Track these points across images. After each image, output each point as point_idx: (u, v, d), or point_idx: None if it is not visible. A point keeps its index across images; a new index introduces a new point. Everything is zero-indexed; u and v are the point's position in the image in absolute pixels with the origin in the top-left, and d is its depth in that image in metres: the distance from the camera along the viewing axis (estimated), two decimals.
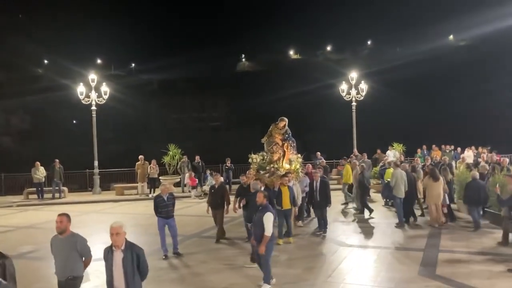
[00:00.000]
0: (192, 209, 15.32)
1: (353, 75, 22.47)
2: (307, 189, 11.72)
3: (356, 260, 8.69)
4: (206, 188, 17.04)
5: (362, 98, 22.43)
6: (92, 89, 19.93)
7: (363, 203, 13.24)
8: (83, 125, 28.66)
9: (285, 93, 51.25)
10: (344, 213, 13.79)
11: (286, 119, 12.19)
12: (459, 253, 8.82)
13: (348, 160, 16.72)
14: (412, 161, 16.18)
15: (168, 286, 7.56)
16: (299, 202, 10.89)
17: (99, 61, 71.47)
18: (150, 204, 10.44)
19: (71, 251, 5.39)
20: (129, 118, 52.44)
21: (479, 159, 16.72)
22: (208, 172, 18.72)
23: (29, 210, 17.03)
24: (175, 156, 19.46)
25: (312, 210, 12.45)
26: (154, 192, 17.91)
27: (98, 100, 20.10)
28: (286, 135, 12.22)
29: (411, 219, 11.87)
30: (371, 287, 7.20)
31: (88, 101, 19.97)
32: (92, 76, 19.96)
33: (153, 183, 18.65)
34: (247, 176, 10.77)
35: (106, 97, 20.24)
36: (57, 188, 18.92)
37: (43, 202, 18.18)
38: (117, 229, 4.85)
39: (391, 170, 13.41)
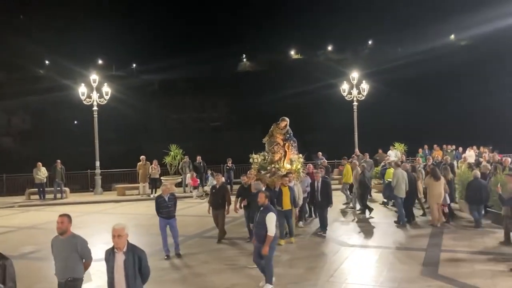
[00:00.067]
0: (193, 209, 15.33)
1: (354, 75, 22.47)
2: (308, 189, 11.72)
3: (358, 260, 8.69)
4: (207, 188, 17.05)
5: (363, 98, 22.43)
6: (94, 89, 19.95)
7: (364, 203, 13.25)
8: (84, 125, 28.74)
9: (286, 93, 51.30)
10: (345, 213, 13.78)
11: (288, 119, 12.17)
12: (461, 253, 8.82)
13: (349, 160, 16.71)
14: (414, 161, 16.18)
15: (169, 287, 7.56)
16: (300, 202, 10.86)
17: (100, 61, 71.58)
18: (152, 204, 10.44)
19: (72, 252, 5.35)
20: (130, 119, 52.53)
21: (480, 159, 16.70)
22: (209, 172, 18.73)
23: (30, 210, 17.04)
24: (177, 156, 19.48)
25: (314, 210, 12.46)
26: (155, 193, 17.90)
27: (100, 101, 20.12)
28: (287, 135, 12.20)
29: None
30: (373, 287, 7.19)
31: (90, 101, 19.99)
32: (94, 77, 19.97)
33: (155, 184, 18.65)
34: (248, 176, 10.75)
35: (107, 97, 20.26)
36: (58, 188, 18.93)
37: (44, 203, 18.20)
38: (119, 231, 4.79)
39: (391, 170, 13.45)
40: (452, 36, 74.22)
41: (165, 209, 9.18)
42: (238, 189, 10.92)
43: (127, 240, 4.88)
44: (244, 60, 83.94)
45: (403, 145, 21.34)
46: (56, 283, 5.50)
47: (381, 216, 12.98)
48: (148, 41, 78.32)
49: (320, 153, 18.54)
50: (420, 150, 20.76)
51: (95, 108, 20.04)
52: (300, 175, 11.90)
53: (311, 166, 13.51)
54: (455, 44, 72.24)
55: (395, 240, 10.14)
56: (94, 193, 20.19)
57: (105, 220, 13.84)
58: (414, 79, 54.66)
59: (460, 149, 20.58)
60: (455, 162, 17.17)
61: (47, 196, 18.92)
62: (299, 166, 12.06)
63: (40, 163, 18.75)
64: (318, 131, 43.74)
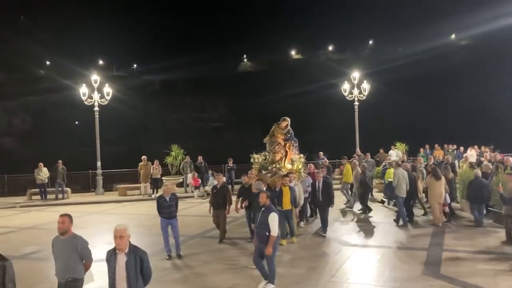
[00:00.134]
0: (195, 209, 15.33)
1: (355, 74, 22.46)
2: (309, 189, 11.71)
3: (359, 259, 8.68)
4: (208, 188, 17.06)
5: (364, 97, 22.42)
6: (95, 90, 19.96)
7: (364, 203, 13.26)
8: (85, 126, 28.74)
9: (287, 93, 51.31)
10: (346, 213, 13.78)
11: (289, 119, 12.16)
12: (463, 252, 8.82)
13: (349, 160, 16.71)
14: (415, 161, 16.17)
15: (171, 287, 7.56)
16: (301, 202, 10.82)
17: (100, 62, 71.66)
18: (153, 204, 10.43)
19: (72, 253, 5.32)
20: (131, 119, 52.57)
21: (482, 158, 16.70)
22: (210, 172, 18.73)
23: (32, 211, 17.06)
24: (178, 156, 19.49)
25: (315, 210, 12.46)
26: (156, 193, 17.92)
27: (101, 101, 20.13)
28: (288, 135, 12.18)
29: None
30: (375, 287, 7.19)
31: (91, 102, 20.00)
32: (95, 77, 19.99)
33: (156, 184, 18.65)
34: (249, 176, 10.74)
35: (108, 98, 20.27)
36: (60, 189, 18.96)
37: (46, 203, 18.21)
38: (121, 232, 4.75)
39: (391, 170, 13.48)
40: (453, 36, 74.19)
41: (167, 209, 9.18)
42: (239, 189, 10.91)
43: (129, 241, 4.84)
44: (245, 60, 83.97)
45: (404, 145, 21.33)
46: (57, 283, 5.48)
47: (382, 216, 12.98)
48: (148, 41, 78.50)
49: (321, 153, 18.53)
50: (421, 149, 20.73)
51: (96, 108, 20.06)
52: (301, 175, 11.89)
53: (312, 166, 13.51)
54: (456, 43, 72.23)
55: (396, 239, 10.14)
56: (95, 194, 20.21)
57: (107, 221, 13.86)
58: (415, 78, 54.68)
59: (461, 148, 20.56)
60: (456, 162, 17.17)
61: (48, 196, 18.93)
62: (300, 166, 12.05)
63: (41, 164, 18.77)
64: (319, 131, 43.76)
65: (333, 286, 7.26)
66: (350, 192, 14.76)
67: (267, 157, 12.12)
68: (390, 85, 47.96)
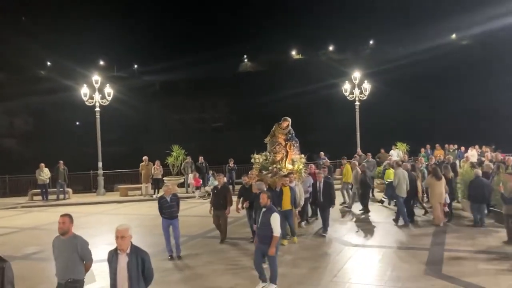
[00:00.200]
0: (196, 210, 15.33)
1: (356, 74, 22.46)
2: (310, 189, 11.70)
3: (361, 259, 8.68)
4: (208, 189, 17.07)
5: (365, 97, 22.42)
6: (96, 90, 19.99)
7: (364, 203, 13.26)
8: (86, 126, 28.76)
9: (288, 93, 51.31)
10: (348, 213, 13.77)
11: (289, 119, 12.14)
12: (464, 252, 8.81)
13: (350, 160, 16.70)
14: (416, 161, 16.16)
15: (172, 287, 7.56)
16: (301, 203, 10.81)
17: (101, 62, 71.72)
18: (154, 205, 10.46)
19: (72, 253, 5.29)
20: (132, 119, 52.62)
21: (482, 158, 16.69)
22: (210, 172, 18.74)
23: (33, 211, 17.08)
24: (179, 157, 19.50)
25: (315, 210, 12.46)
26: (157, 193, 17.93)
27: (102, 102, 20.15)
28: (289, 135, 12.16)
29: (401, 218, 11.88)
30: (376, 287, 7.18)
31: (92, 102, 20.02)
32: (96, 78, 20.02)
33: (157, 184, 18.67)
34: (249, 176, 10.73)
35: (110, 98, 20.29)
36: (61, 189, 18.99)
37: (47, 204, 18.23)
38: (122, 232, 4.71)
39: (391, 170, 13.51)
40: (453, 36, 74.13)
41: (168, 210, 9.18)
42: (239, 189, 10.91)
43: (131, 242, 4.81)
44: (245, 60, 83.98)
45: (405, 144, 21.33)
46: (57, 283, 5.44)
47: (384, 216, 12.98)
48: (148, 42, 78.53)
49: (322, 153, 18.54)
50: (422, 149, 20.73)
51: (97, 109, 20.08)
52: (301, 175, 11.89)
53: (313, 166, 13.50)
54: (456, 43, 72.16)
55: (397, 239, 10.14)
56: (96, 194, 20.23)
57: (108, 221, 13.87)
58: (415, 78, 54.70)
59: (462, 148, 20.57)
60: (457, 162, 17.16)
61: (49, 197, 18.95)
62: (301, 167, 12.05)
63: (43, 164, 18.80)
64: (320, 131, 43.76)
65: (335, 286, 7.25)
66: (350, 192, 14.75)
67: (268, 157, 12.10)
68: (390, 85, 47.95)
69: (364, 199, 13.39)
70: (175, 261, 9.00)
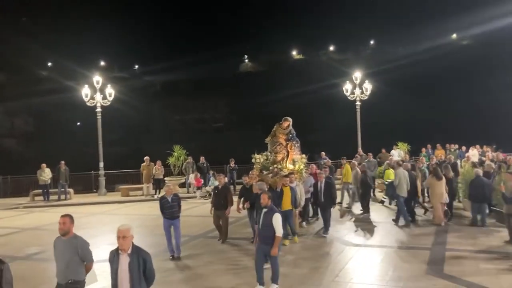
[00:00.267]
0: (197, 210, 15.34)
1: (357, 74, 22.45)
2: (311, 189, 11.70)
3: (362, 259, 8.68)
4: (209, 189, 17.08)
5: (366, 97, 22.41)
6: (97, 91, 20.00)
7: (365, 203, 13.26)
8: (87, 127, 28.76)
9: (288, 93, 51.26)
10: (349, 213, 13.77)
11: (290, 119, 12.14)
12: (466, 252, 8.82)
13: (349, 160, 16.69)
14: (417, 160, 16.16)
15: (174, 287, 7.57)
16: (302, 203, 10.80)
17: (102, 63, 71.73)
18: (155, 205, 10.46)
19: (73, 254, 5.26)
20: (133, 120, 52.63)
21: (483, 158, 16.68)
22: (211, 172, 18.75)
23: (35, 211, 17.10)
24: (180, 157, 19.51)
25: (316, 210, 12.46)
26: (159, 193, 17.94)
27: (103, 102, 20.17)
28: (290, 135, 12.16)
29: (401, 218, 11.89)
30: (378, 287, 7.19)
31: (93, 103, 20.04)
32: (97, 78, 20.05)
33: (158, 184, 18.67)
34: (250, 176, 10.73)
35: (111, 98, 20.31)
36: (62, 189, 19.00)
37: (49, 204, 18.25)
38: (124, 232, 4.70)
39: (390, 171, 13.51)
40: (454, 36, 74.07)
41: (168, 210, 9.20)
42: (240, 189, 10.91)
43: (132, 242, 4.79)
44: (246, 60, 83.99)
45: (406, 144, 21.32)
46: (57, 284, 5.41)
47: (385, 215, 12.98)
48: (148, 42, 78.39)
49: (323, 153, 18.54)
50: (423, 149, 20.73)
51: (98, 109, 20.09)
52: (302, 175, 11.89)
53: (314, 166, 13.49)
54: (457, 43, 72.09)
55: (399, 239, 10.14)
56: (98, 194, 20.25)
57: (109, 221, 13.89)
58: (416, 78, 54.62)
59: (463, 148, 20.57)
60: (458, 161, 17.16)
61: (51, 197, 18.98)
62: (301, 167, 12.05)
63: (44, 165, 18.83)
64: (321, 131, 43.73)
65: (337, 286, 7.26)
66: (350, 192, 14.74)
67: (269, 157, 12.11)
68: (391, 85, 47.89)
69: (365, 199, 13.38)
70: (176, 261, 9.01)
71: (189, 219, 12.76)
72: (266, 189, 8.80)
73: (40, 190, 18.99)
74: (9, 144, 48.17)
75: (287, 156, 12.02)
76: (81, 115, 37.14)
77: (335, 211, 13.34)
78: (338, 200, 14.41)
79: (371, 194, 14.87)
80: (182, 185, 19.84)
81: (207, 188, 17.85)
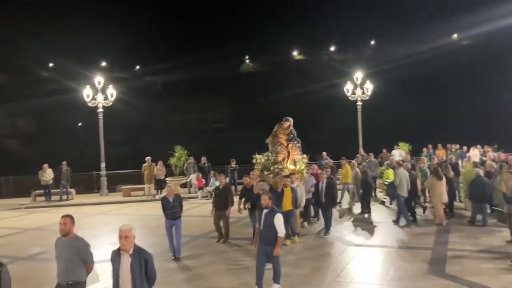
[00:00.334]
0: (198, 210, 15.36)
1: (358, 75, 22.46)
2: (312, 189, 11.70)
3: (364, 259, 8.69)
4: (209, 189, 17.10)
5: (367, 97, 22.41)
6: (99, 91, 20.02)
7: (365, 202, 13.27)
8: (88, 127, 28.79)
9: (289, 94, 51.28)
10: (350, 213, 13.77)
11: (291, 119, 12.15)
12: (467, 251, 8.82)
13: (349, 161, 16.68)
14: (418, 160, 16.16)
15: (175, 287, 7.59)
16: (303, 203, 10.78)
17: (103, 63, 71.76)
18: (157, 205, 10.48)
19: (74, 255, 5.26)
20: (134, 120, 52.68)
21: (484, 158, 16.67)
22: (211, 173, 18.76)
23: (37, 212, 17.14)
24: (181, 157, 19.53)
25: (317, 210, 12.47)
26: (160, 193, 17.97)
27: (105, 103, 20.19)
28: (291, 136, 12.17)
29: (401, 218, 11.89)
30: (380, 286, 7.19)
31: (95, 103, 20.07)
32: (99, 79, 20.07)
33: (160, 184, 18.70)
34: (250, 177, 10.74)
35: (112, 99, 20.33)
36: (64, 190, 19.04)
37: (50, 204, 18.29)
38: (125, 232, 4.69)
39: (390, 171, 13.52)
40: (455, 36, 74.00)
41: (170, 210, 9.23)
42: (240, 190, 10.92)
43: (134, 242, 4.79)
44: (247, 61, 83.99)
45: (407, 144, 21.31)
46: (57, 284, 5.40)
47: (385, 215, 12.99)
48: (148, 42, 78.36)
49: (324, 153, 18.53)
50: (424, 149, 20.72)
51: (100, 110, 20.11)
52: (303, 175, 11.89)
53: (316, 166, 13.49)
54: (458, 43, 72.00)
55: (400, 239, 10.15)
56: (99, 195, 20.28)
57: (111, 221, 13.91)
58: (417, 78, 54.57)
59: (465, 148, 20.55)
60: (459, 161, 17.15)
61: (53, 197, 19.02)
62: (303, 167, 12.05)
63: (46, 165, 18.87)
64: (322, 131, 43.71)
65: (338, 286, 7.27)
66: (350, 193, 14.74)
67: (270, 157, 12.13)
68: (391, 85, 47.83)
69: (365, 199, 13.39)
70: (177, 262, 9.03)
71: (191, 219, 12.77)
72: (267, 190, 8.81)
73: (42, 191, 19.03)
74: (10, 144, 48.22)
75: (288, 156, 12.03)
76: (82, 116, 37.16)
77: (336, 212, 13.40)
78: (337, 200, 14.46)
79: (372, 194, 14.88)
80: (184, 185, 19.86)
81: (208, 188, 17.87)
